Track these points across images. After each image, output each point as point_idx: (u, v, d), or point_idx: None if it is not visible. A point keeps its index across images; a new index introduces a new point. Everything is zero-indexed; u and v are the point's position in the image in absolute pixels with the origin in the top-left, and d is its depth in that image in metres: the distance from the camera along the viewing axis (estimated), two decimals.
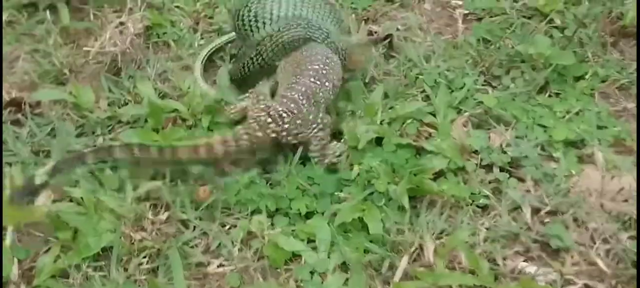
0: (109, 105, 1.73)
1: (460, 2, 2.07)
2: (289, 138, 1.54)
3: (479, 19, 1.99)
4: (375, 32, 1.93)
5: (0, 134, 1.66)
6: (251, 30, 1.69)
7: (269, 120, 1.52)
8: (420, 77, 1.78)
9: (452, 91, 1.73)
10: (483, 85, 1.76)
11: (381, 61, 1.84)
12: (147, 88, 1.74)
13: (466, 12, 2.03)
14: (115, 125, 1.70)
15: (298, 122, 1.53)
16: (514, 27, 1.91)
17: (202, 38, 1.95)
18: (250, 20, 1.68)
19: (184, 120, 1.69)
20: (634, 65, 1.78)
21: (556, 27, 1.91)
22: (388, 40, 1.89)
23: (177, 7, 2.04)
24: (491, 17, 1.98)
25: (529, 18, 1.96)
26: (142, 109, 1.70)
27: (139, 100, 1.74)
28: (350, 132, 1.60)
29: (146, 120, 1.70)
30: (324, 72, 1.58)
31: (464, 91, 1.71)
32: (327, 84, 1.58)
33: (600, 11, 1.91)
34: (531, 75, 1.74)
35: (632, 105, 1.69)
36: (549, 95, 1.72)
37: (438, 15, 2.03)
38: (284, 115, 1.52)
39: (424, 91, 1.75)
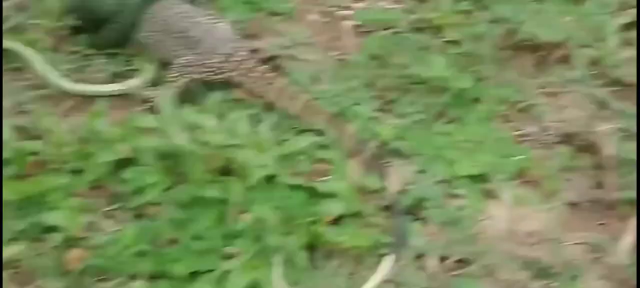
0: None
1: (350, 13, 1.91)
2: None
3: (370, 32, 1.85)
4: (256, 50, 1.76)
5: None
6: None
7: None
8: None
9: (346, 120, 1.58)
10: (378, 111, 1.62)
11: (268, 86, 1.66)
12: (5, 129, 1.52)
13: (356, 23, 1.87)
14: None
15: None
16: (406, 42, 1.77)
17: (68, 61, 1.72)
18: None
19: (47, 163, 1.47)
20: (534, 83, 1.68)
21: (450, 42, 1.78)
22: (274, 60, 1.72)
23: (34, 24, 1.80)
24: (383, 29, 1.83)
25: (422, 30, 1.83)
26: None
27: None
28: (241, 166, 1.46)
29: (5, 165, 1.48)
30: None
31: (359, 121, 1.57)
32: None
33: (494, 26, 1.78)
34: (428, 99, 1.62)
35: (534, 129, 1.60)
36: (448, 121, 1.60)
37: (326, 28, 1.90)
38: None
39: None
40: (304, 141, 1.53)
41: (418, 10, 1.89)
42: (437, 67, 1.65)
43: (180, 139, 1.47)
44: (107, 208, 1.43)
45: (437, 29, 1.84)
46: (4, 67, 1.72)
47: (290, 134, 1.57)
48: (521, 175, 1.52)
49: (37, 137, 1.55)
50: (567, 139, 1.59)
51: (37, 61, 1.69)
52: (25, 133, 1.56)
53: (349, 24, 1.90)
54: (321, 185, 1.45)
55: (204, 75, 1.65)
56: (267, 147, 1.51)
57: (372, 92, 1.66)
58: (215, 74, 1.65)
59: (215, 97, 1.62)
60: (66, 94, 1.67)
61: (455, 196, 1.47)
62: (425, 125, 1.59)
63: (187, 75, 1.64)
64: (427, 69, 1.66)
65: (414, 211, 1.43)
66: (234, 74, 1.65)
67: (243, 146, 1.50)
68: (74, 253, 1.34)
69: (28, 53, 1.70)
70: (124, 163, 1.48)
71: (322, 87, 1.67)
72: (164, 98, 1.58)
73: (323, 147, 1.54)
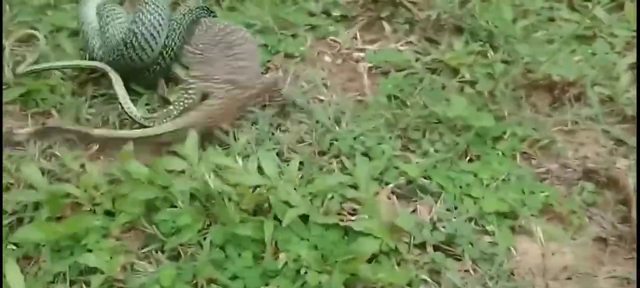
0: None
1: (362, 55, 1.94)
2: None
3: (385, 74, 1.88)
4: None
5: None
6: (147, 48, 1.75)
7: None
8: (335, 143, 1.65)
9: (371, 159, 1.60)
10: (402, 150, 1.64)
11: (292, 125, 1.72)
12: (34, 172, 1.52)
13: (370, 65, 1.90)
14: None
15: None
16: (423, 83, 1.80)
17: (91, 106, 1.73)
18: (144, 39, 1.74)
19: (79, 205, 1.47)
20: (551, 121, 1.71)
21: (466, 82, 1.81)
22: (292, 100, 1.74)
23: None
24: (397, 71, 1.87)
25: (435, 71, 1.87)
26: (31, 195, 1.49)
27: (25, 185, 1.51)
28: (273, 206, 1.47)
29: (36, 207, 1.49)
30: None
31: (384, 160, 1.60)
32: None
33: (507, 66, 1.82)
34: (450, 138, 1.65)
35: (554, 166, 1.63)
36: (470, 159, 1.64)
37: (340, 69, 1.93)
38: None
39: (339, 158, 1.61)
40: (332, 180, 1.53)
41: (431, 52, 1.90)
42: (457, 106, 1.68)
43: (211, 181, 1.47)
44: (143, 250, 1.42)
45: (452, 70, 1.86)
46: (26, 112, 1.73)
47: (318, 172, 1.57)
48: (546, 212, 1.53)
49: (66, 180, 1.53)
50: (588, 175, 1.61)
51: (118, 87, 1.73)
52: (54, 176, 1.54)
53: (363, 65, 1.91)
54: (354, 224, 1.44)
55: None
56: (296, 186, 1.50)
57: (395, 131, 1.68)
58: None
59: (240, 139, 1.61)
60: (90, 137, 1.65)
61: (486, 232, 1.48)
62: (449, 163, 1.61)
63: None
64: (447, 108, 1.67)
65: (447, 248, 1.43)
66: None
67: (273, 186, 1.49)
68: None
69: (112, 76, 1.75)
70: (155, 204, 1.46)
71: (345, 127, 1.67)
72: (190, 140, 1.57)
73: (352, 186, 1.53)
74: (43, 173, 1.56)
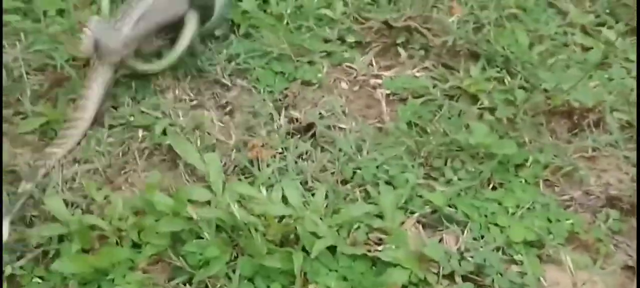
0: (11, 224, 1.50)
1: (379, 81, 1.94)
2: None
3: (402, 100, 1.88)
4: (297, 120, 1.78)
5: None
6: None
7: None
8: (358, 171, 1.64)
9: (395, 188, 1.60)
10: (425, 178, 1.64)
11: (315, 154, 1.71)
12: (58, 204, 1.52)
13: (387, 92, 1.90)
14: (25, 250, 1.48)
15: None
16: (442, 110, 1.80)
17: (110, 135, 1.72)
18: None
19: (105, 237, 1.47)
20: (571, 148, 1.71)
21: (485, 108, 1.81)
22: (312, 130, 1.74)
23: (74, 99, 1.80)
24: (415, 97, 1.86)
25: (454, 98, 1.87)
26: (57, 228, 1.49)
27: (49, 217, 1.51)
28: (300, 237, 1.47)
29: (60, 240, 1.49)
30: None
31: (408, 188, 1.59)
32: None
33: (525, 92, 1.83)
34: (473, 165, 1.65)
35: (578, 194, 1.63)
36: (494, 187, 1.64)
37: (357, 96, 1.92)
38: None
39: (363, 187, 1.61)
40: (357, 210, 1.53)
41: (449, 78, 1.91)
42: (478, 133, 1.68)
43: (236, 211, 1.46)
44: (171, 282, 1.41)
45: (470, 96, 1.86)
46: (44, 142, 1.74)
47: (343, 202, 1.56)
48: (572, 240, 1.53)
49: (91, 211, 1.52)
50: (611, 202, 1.61)
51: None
52: (78, 207, 1.54)
53: (380, 92, 1.91)
54: (381, 254, 1.44)
55: None
56: (322, 216, 1.50)
57: (417, 159, 1.67)
58: None
59: (263, 169, 1.62)
60: (113, 167, 1.66)
61: (514, 262, 1.48)
62: (474, 191, 1.61)
63: None
64: (468, 135, 1.67)
65: (476, 278, 1.42)
66: None
67: (299, 216, 1.49)
68: None
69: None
70: (181, 236, 1.46)
71: (366, 155, 1.67)
72: (214, 169, 1.57)
73: (377, 215, 1.53)
74: (67, 205, 1.54)
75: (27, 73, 1.88)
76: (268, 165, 1.65)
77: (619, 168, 1.70)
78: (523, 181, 1.66)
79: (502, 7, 2.12)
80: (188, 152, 1.65)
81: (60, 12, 2.09)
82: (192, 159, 1.64)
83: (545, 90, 1.83)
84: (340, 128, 1.80)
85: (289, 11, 2.08)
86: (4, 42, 1.96)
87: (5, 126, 1.74)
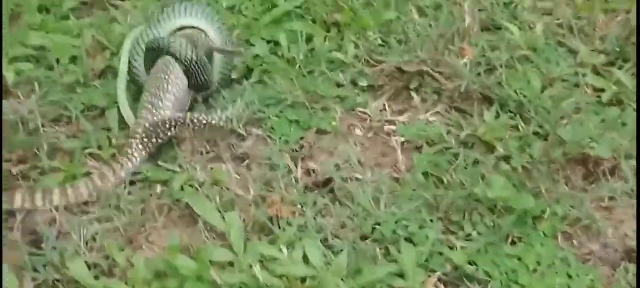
0: None
1: (394, 128, 1.95)
2: None
3: (418, 148, 1.88)
4: (314, 171, 1.79)
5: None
6: None
7: None
8: (377, 227, 1.65)
9: (415, 245, 1.61)
10: (444, 233, 1.65)
11: (333, 209, 1.72)
12: (81, 268, 1.52)
13: (402, 139, 1.91)
14: None
15: None
16: (458, 159, 1.81)
17: (130, 193, 1.72)
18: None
19: None
20: (588, 198, 1.72)
21: (501, 157, 1.82)
22: (330, 185, 1.75)
23: (91, 154, 1.81)
24: (430, 145, 1.87)
25: (469, 145, 1.87)
26: None
27: (72, 281, 1.52)
28: None
29: None
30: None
31: (429, 245, 1.61)
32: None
33: (540, 139, 1.84)
34: (491, 219, 1.67)
35: (596, 247, 1.64)
36: (513, 242, 1.65)
37: (373, 143, 1.94)
38: None
39: (383, 244, 1.63)
40: (379, 271, 1.55)
41: (463, 124, 1.92)
42: (496, 187, 1.69)
43: (259, 273, 1.47)
44: None
45: (485, 144, 1.87)
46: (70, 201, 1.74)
47: (363, 260, 1.57)
48: None
49: (113, 275, 1.53)
50: (630, 255, 1.62)
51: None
52: (100, 269, 1.55)
53: (395, 140, 1.92)
54: None
55: None
56: (344, 278, 1.51)
57: (436, 213, 1.68)
58: None
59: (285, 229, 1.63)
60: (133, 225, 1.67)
61: None
62: (494, 248, 1.61)
63: None
64: (486, 189, 1.68)
65: None
66: None
67: (321, 278, 1.50)
68: None
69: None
70: None
71: (385, 209, 1.68)
72: (235, 229, 1.58)
73: (398, 274, 1.54)
74: (89, 267, 1.54)
75: (42, 125, 1.86)
76: (288, 223, 1.64)
77: (635, 218, 1.70)
78: (542, 234, 1.66)
79: (512, 48, 2.12)
80: (207, 212, 1.66)
81: (74, 59, 2.08)
82: (212, 218, 1.65)
83: (559, 138, 1.83)
84: (357, 179, 1.79)
85: (301, 56, 2.08)
86: (19, 93, 1.96)
87: (24, 182, 1.74)
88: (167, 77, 1.86)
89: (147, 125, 1.78)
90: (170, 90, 1.85)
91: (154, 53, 1.88)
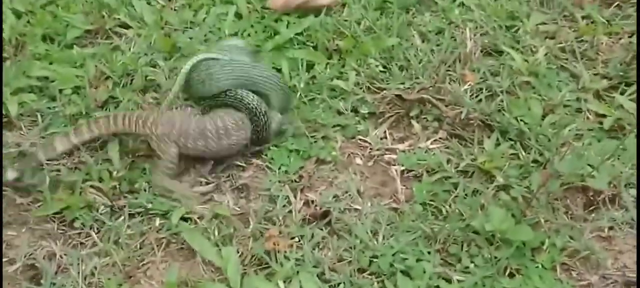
0: None
1: (394, 156, 1.95)
2: None
3: (417, 177, 1.88)
4: (313, 202, 1.79)
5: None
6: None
7: None
8: (374, 260, 1.65)
9: (412, 278, 1.61)
10: (441, 265, 1.65)
11: (331, 242, 1.72)
12: None
13: (402, 168, 1.91)
14: None
15: None
16: (457, 189, 1.80)
17: (129, 226, 1.73)
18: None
19: None
20: (587, 228, 1.71)
21: (500, 186, 1.82)
22: (328, 218, 1.75)
23: (92, 186, 1.82)
24: (429, 174, 1.87)
25: (468, 174, 1.87)
26: None
27: None
28: None
29: None
30: None
31: (426, 279, 1.61)
32: None
33: (540, 168, 1.83)
34: (489, 251, 1.66)
35: (595, 279, 1.63)
36: (511, 274, 1.64)
37: (372, 172, 1.93)
38: None
39: (380, 278, 1.64)
40: None
41: (463, 153, 1.91)
42: (495, 219, 1.68)
43: None
44: None
45: (485, 173, 1.86)
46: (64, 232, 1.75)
47: None
48: None
49: None
50: (629, 286, 1.60)
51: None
52: None
53: (395, 169, 1.92)
54: None
55: None
56: None
57: (433, 245, 1.68)
58: None
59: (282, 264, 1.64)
60: (131, 259, 1.69)
61: None
62: (491, 280, 1.61)
63: None
64: (485, 221, 1.67)
65: None
66: None
67: None
68: None
69: None
70: None
71: (382, 241, 1.68)
72: (232, 264, 1.59)
73: None
74: None
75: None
76: (286, 256, 1.64)
77: (634, 249, 1.70)
78: (540, 266, 1.66)
79: (514, 73, 2.11)
80: (204, 248, 1.67)
81: (77, 89, 2.08)
82: (209, 254, 1.65)
83: (559, 167, 1.81)
84: (356, 209, 1.79)
85: (302, 84, 2.08)
86: (22, 124, 1.97)
87: (26, 215, 1.75)
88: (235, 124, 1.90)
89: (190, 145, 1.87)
90: (232, 138, 1.90)
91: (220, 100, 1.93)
